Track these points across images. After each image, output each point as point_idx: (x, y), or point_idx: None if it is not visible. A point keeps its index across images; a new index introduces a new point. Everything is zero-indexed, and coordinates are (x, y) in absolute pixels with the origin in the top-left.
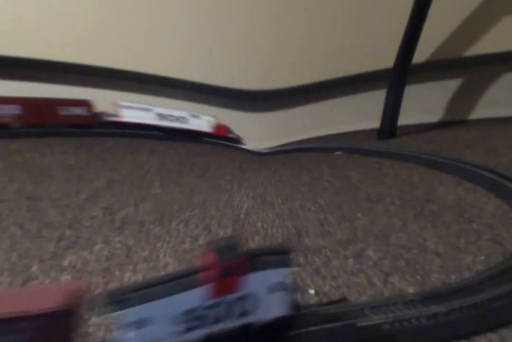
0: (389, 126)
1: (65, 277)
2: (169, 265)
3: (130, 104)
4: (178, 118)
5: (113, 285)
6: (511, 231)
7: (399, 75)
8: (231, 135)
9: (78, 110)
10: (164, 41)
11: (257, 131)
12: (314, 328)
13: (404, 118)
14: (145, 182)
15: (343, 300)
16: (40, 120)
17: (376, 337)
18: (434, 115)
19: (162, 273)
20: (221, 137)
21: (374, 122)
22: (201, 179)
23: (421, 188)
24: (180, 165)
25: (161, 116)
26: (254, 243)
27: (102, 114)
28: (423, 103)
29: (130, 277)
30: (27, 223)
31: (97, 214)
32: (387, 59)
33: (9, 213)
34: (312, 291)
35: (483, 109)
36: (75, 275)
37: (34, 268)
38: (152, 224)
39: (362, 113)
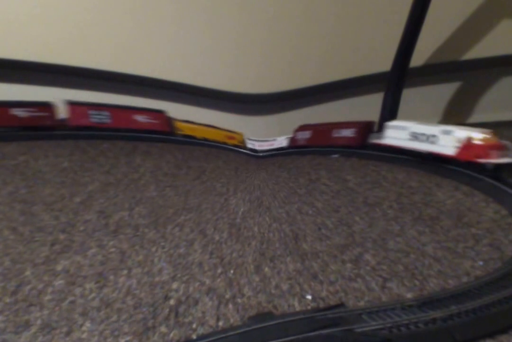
0: None
1: (59, 282)
2: (163, 270)
3: (395, 123)
4: (428, 137)
5: (108, 290)
6: (510, 235)
7: (397, 79)
8: (488, 160)
9: (347, 133)
10: (159, 44)
11: (252, 134)
12: (311, 334)
13: None
14: (140, 185)
15: (341, 305)
16: (319, 142)
17: None
18: (431, 119)
19: (157, 278)
20: (469, 164)
21: None
22: (197, 182)
23: (419, 192)
24: (175, 168)
25: (414, 136)
26: (251, 247)
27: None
28: (421, 107)
29: (125, 282)
30: (20, 227)
31: (91, 218)
32: (384, 63)
33: (2, 217)
34: (309, 296)
35: (481, 113)
36: (69, 280)
37: (27, 273)
38: (146, 228)
39: (359, 116)
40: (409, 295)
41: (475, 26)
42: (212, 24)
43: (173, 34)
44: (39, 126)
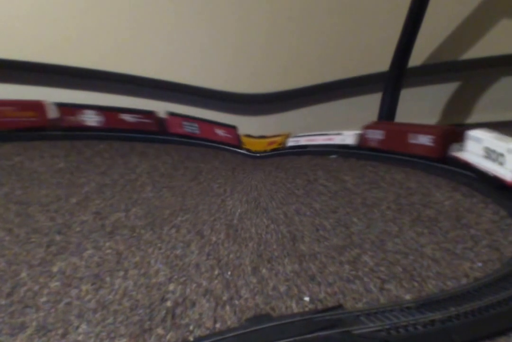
0: None
1: (55, 284)
2: (160, 271)
3: (474, 134)
4: (498, 156)
5: (104, 292)
6: (509, 237)
7: (395, 79)
8: None
9: (425, 140)
10: (156, 44)
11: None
12: (309, 335)
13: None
14: (136, 186)
15: (339, 307)
16: (394, 147)
17: None
18: (430, 119)
19: (154, 280)
20: None
21: None
22: (194, 183)
23: (417, 193)
24: (172, 169)
25: (487, 152)
26: (248, 249)
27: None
28: (419, 107)
29: (121, 283)
30: (16, 228)
31: (88, 219)
32: (383, 62)
33: None
34: (307, 298)
35: (480, 113)
36: (65, 282)
37: (23, 274)
38: (143, 229)
39: (357, 117)
40: (407, 297)
41: (474, 26)
42: (210, 24)
43: (170, 34)
44: (144, 130)
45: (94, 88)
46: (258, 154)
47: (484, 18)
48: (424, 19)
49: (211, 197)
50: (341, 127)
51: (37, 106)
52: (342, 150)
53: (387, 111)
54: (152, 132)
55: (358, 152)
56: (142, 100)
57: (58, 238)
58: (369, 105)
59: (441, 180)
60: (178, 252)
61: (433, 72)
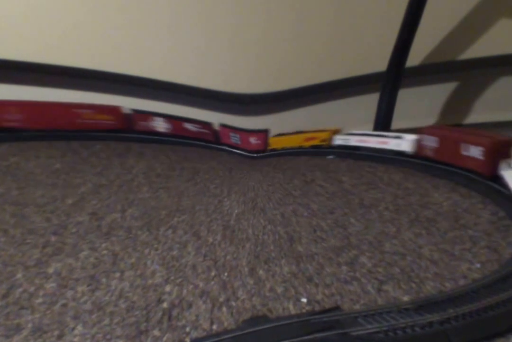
0: (383, 130)
1: (50, 285)
2: (156, 272)
3: None
4: None
5: (100, 293)
6: (507, 238)
7: (393, 79)
8: None
9: (476, 152)
10: (155, 44)
11: None
12: (306, 337)
13: (398, 123)
14: (132, 187)
15: (336, 308)
16: (446, 157)
17: None
18: (428, 120)
19: (150, 281)
20: None
21: (367, 126)
22: (190, 183)
23: (415, 194)
24: (168, 169)
25: None
26: (245, 250)
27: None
28: (417, 107)
29: (117, 284)
30: (12, 229)
31: (83, 220)
32: (380, 63)
33: None
34: (304, 300)
35: (478, 114)
36: (60, 283)
37: (19, 275)
38: (139, 230)
39: (355, 117)
40: (405, 298)
41: (472, 26)
42: (207, 25)
43: (169, 35)
44: (202, 139)
45: (92, 88)
46: (255, 155)
47: (483, 18)
48: (422, 19)
49: (208, 197)
50: (340, 127)
51: (114, 110)
52: (396, 157)
53: (385, 111)
54: (210, 142)
55: (411, 160)
56: (141, 100)
57: (53, 238)
58: (367, 105)
59: (439, 180)
60: (175, 253)
61: (431, 72)
